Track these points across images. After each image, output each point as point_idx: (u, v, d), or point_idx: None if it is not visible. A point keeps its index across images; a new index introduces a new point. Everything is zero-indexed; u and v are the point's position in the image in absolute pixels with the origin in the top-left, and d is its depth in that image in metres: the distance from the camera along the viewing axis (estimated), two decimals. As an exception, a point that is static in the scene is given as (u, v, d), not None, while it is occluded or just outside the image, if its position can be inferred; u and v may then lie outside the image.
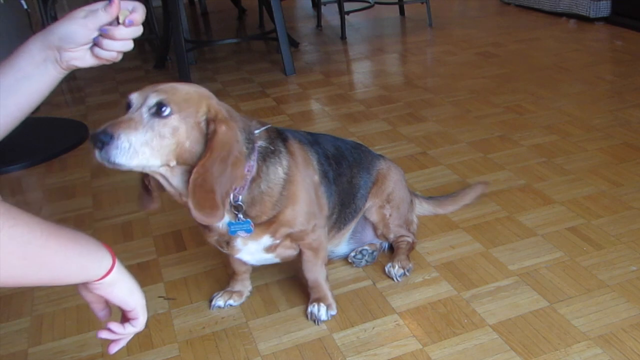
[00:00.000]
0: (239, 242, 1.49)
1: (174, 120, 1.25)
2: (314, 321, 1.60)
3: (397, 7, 5.02)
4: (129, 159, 1.21)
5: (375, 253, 1.81)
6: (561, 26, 4.23)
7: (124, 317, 1.12)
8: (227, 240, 1.49)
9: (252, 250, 1.52)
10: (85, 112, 3.38)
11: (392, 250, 1.83)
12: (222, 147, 1.29)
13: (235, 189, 1.37)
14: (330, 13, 5.15)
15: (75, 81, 4.04)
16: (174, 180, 1.33)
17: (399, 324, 1.57)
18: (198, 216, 1.31)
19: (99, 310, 1.12)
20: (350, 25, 4.70)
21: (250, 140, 1.40)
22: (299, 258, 1.61)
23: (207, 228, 1.49)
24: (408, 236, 1.81)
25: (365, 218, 1.80)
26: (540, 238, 1.86)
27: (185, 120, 1.26)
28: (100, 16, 1.09)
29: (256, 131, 1.43)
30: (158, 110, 1.24)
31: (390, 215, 1.78)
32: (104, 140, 1.19)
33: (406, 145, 2.58)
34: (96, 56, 1.13)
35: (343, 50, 4.22)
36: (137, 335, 1.60)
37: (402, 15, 4.98)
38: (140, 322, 1.12)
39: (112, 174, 2.60)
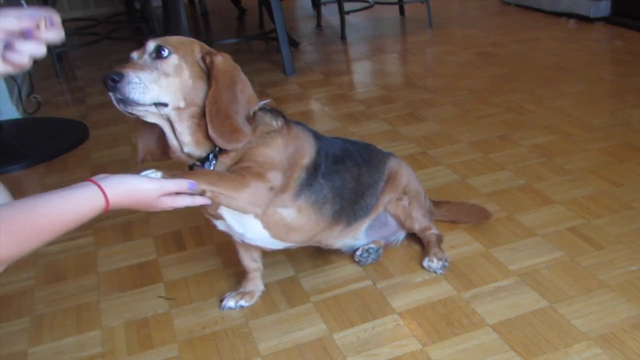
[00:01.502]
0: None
1: (174, 59, 1.35)
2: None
3: (397, 7, 5.02)
4: (143, 94, 1.31)
5: (380, 250, 1.82)
6: (561, 26, 4.23)
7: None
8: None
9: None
10: (85, 112, 3.38)
11: (388, 247, 1.83)
12: (224, 75, 1.39)
13: (252, 112, 1.44)
14: (330, 13, 5.15)
15: (75, 81, 4.04)
16: (179, 126, 1.40)
17: (399, 324, 1.57)
18: (222, 144, 1.38)
19: None
20: (350, 25, 4.70)
21: (255, 107, 1.48)
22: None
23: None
24: (434, 228, 1.84)
25: (387, 214, 1.82)
26: (540, 238, 1.86)
27: (184, 58, 1.36)
28: (10, 22, 1.05)
29: (261, 102, 1.51)
30: (158, 53, 1.34)
31: (409, 204, 1.81)
32: (116, 79, 1.28)
33: (406, 145, 2.58)
34: (6, 61, 1.07)
35: (343, 50, 4.22)
36: (137, 335, 1.61)
37: (402, 15, 4.98)
38: None
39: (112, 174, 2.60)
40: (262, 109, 1.51)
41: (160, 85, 1.33)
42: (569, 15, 4.34)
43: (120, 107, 1.33)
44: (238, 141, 1.40)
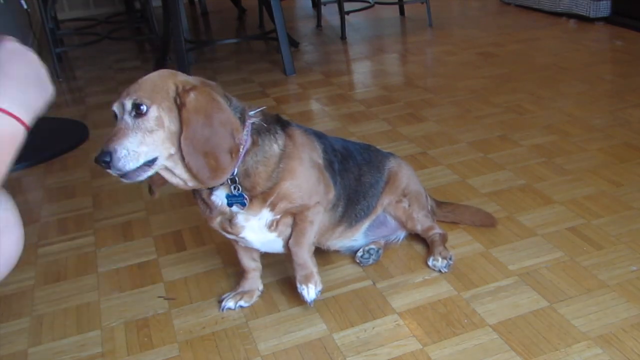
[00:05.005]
0: (240, 219, 1.51)
1: (153, 112, 1.33)
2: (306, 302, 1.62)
3: (397, 7, 5.02)
4: (135, 161, 1.33)
5: (380, 251, 1.82)
6: (561, 26, 4.23)
7: None
8: (229, 218, 1.51)
9: (255, 227, 1.53)
10: (85, 112, 3.38)
11: (388, 247, 1.83)
12: (196, 113, 1.35)
13: (239, 143, 1.41)
14: (330, 13, 5.15)
15: (75, 81, 4.05)
16: (177, 169, 1.40)
17: (399, 324, 1.57)
18: (201, 181, 1.39)
19: None
20: (350, 25, 4.70)
21: (242, 115, 1.45)
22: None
23: (209, 208, 1.52)
24: (437, 228, 1.84)
25: (387, 215, 1.83)
26: (540, 238, 1.86)
27: (161, 106, 1.34)
28: None
29: (251, 112, 1.48)
30: (137, 111, 1.33)
31: (410, 206, 1.81)
32: (106, 160, 1.32)
33: (406, 145, 2.58)
34: None
35: (343, 50, 4.22)
36: (138, 335, 1.61)
37: (402, 15, 4.98)
38: None
39: (112, 175, 2.60)
40: (258, 128, 1.47)
41: (147, 144, 1.33)
42: (569, 15, 4.34)
43: (124, 181, 1.37)
44: (218, 178, 1.39)
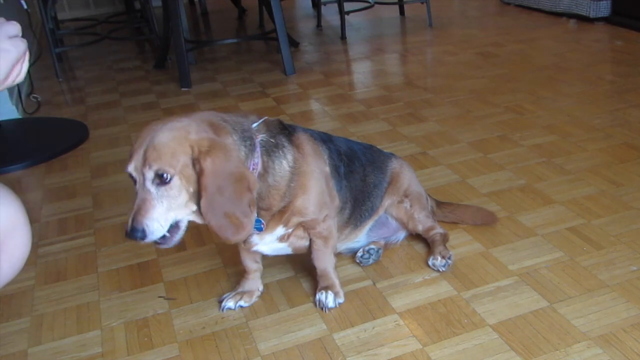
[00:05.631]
0: (255, 238, 1.55)
1: (176, 181, 1.34)
2: (322, 308, 1.63)
3: (397, 7, 5.02)
4: (165, 226, 1.37)
5: (380, 251, 1.82)
6: (561, 26, 4.23)
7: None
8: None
9: (267, 241, 1.58)
10: (85, 112, 3.38)
11: (388, 247, 1.83)
12: (214, 178, 1.35)
13: (254, 196, 1.41)
14: (330, 13, 5.15)
15: (75, 81, 4.04)
16: (200, 219, 1.42)
17: (399, 324, 1.57)
18: (224, 238, 1.40)
19: None
20: (350, 25, 4.70)
21: (249, 137, 1.43)
22: (308, 250, 1.65)
23: None
24: (438, 228, 1.85)
25: (389, 216, 1.84)
26: (540, 238, 1.86)
27: (181, 173, 1.35)
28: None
29: (254, 125, 1.47)
30: (160, 179, 1.34)
31: (411, 207, 1.82)
32: (141, 237, 1.34)
33: (406, 145, 2.58)
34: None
35: (343, 50, 4.22)
36: (137, 335, 1.61)
37: (402, 15, 4.98)
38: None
39: (112, 174, 2.60)
40: (266, 146, 1.46)
41: (173, 209, 1.36)
42: (569, 15, 4.34)
43: (162, 247, 1.41)
44: (239, 235, 1.40)
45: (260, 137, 1.46)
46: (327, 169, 1.60)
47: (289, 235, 1.59)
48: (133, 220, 1.35)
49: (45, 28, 4.08)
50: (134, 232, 1.34)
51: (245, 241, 1.56)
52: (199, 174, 1.34)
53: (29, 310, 1.77)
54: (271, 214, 1.50)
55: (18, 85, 3.36)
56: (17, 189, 2.56)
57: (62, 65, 4.30)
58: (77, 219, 2.26)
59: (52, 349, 1.61)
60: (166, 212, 1.35)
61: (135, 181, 1.37)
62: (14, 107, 3.31)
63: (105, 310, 1.73)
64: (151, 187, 1.34)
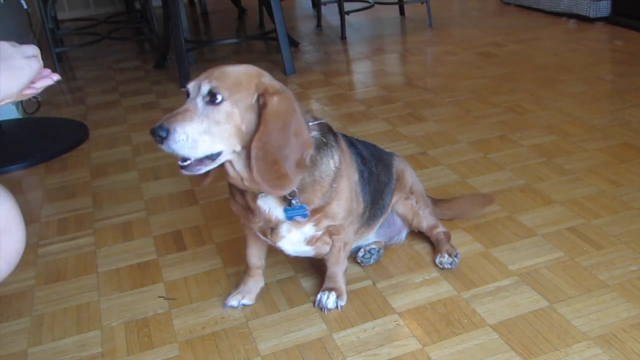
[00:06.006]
0: (284, 229, 1.51)
1: (226, 106, 1.29)
2: (321, 309, 1.63)
3: (397, 7, 5.02)
4: (192, 150, 1.28)
5: (381, 251, 1.82)
6: (561, 26, 4.23)
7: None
8: (273, 226, 1.51)
9: (294, 240, 1.54)
10: (85, 112, 3.38)
11: (388, 247, 1.83)
12: (276, 117, 1.31)
13: (306, 157, 1.38)
14: (330, 13, 5.15)
15: (75, 81, 4.05)
16: (238, 164, 1.37)
17: (399, 324, 1.57)
18: (266, 189, 1.35)
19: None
20: (350, 25, 4.70)
21: (310, 150, 1.43)
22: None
23: (252, 213, 1.50)
24: (441, 226, 1.86)
25: (394, 213, 1.85)
26: (540, 238, 1.86)
27: (237, 104, 1.30)
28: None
29: (311, 123, 1.47)
30: (212, 98, 1.28)
31: (417, 203, 1.83)
32: (162, 135, 1.25)
33: (406, 145, 2.58)
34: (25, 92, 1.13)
35: (343, 50, 4.22)
36: (138, 335, 1.61)
37: (402, 15, 4.98)
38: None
39: (112, 174, 2.60)
40: (317, 143, 1.45)
41: (212, 135, 1.29)
42: (569, 15, 4.34)
43: (184, 172, 1.33)
44: (283, 188, 1.36)
45: (313, 134, 1.45)
46: (356, 176, 1.60)
47: (317, 239, 1.56)
48: (165, 120, 1.27)
49: (45, 28, 4.08)
50: (158, 130, 1.25)
51: (273, 231, 1.52)
52: (262, 108, 1.30)
53: (29, 310, 1.77)
54: (308, 209, 1.48)
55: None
56: (17, 189, 2.56)
57: (62, 65, 4.30)
58: (77, 219, 2.26)
59: (52, 349, 1.61)
60: (201, 133, 1.27)
61: (188, 95, 1.32)
62: (14, 107, 3.31)
63: (105, 310, 1.73)
64: (200, 102, 1.29)
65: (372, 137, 2.68)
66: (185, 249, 1.99)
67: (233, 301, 1.68)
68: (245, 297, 1.69)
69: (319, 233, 1.55)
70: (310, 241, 1.57)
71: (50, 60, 4.11)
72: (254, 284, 1.71)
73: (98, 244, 2.08)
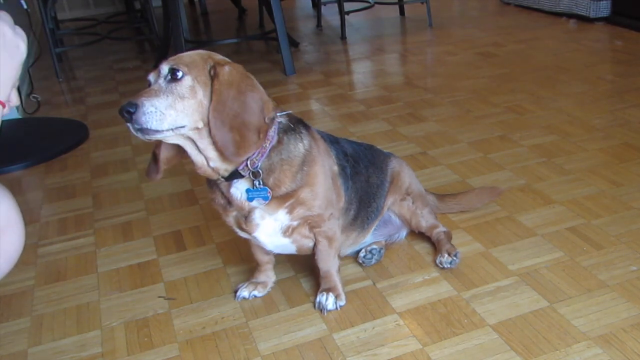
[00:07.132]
0: (257, 216, 1.51)
1: (187, 80, 1.34)
2: (321, 310, 1.63)
3: (397, 7, 5.02)
4: (160, 122, 1.32)
5: (382, 251, 1.82)
6: (561, 26, 4.23)
7: None
8: (246, 214, 1.51)
9: (270, 230, 1.54)
10: (85, 112, 3.38)
11: (389, 247, 1.83)
12: (228, 85, 1.37)
13: (268, 122, 1.41)
14: (330, 13, 5.15)
15: (75, 81, 4.05)
16: (202, 142, 1.40)
17: (399, 324, 1.57)
18: (228, 155, 1.37)
19: None
20: (350, 25, 4.70)
21: (271, 114, 1.45)
22: (312, 251, 1.65)
23: (227, 201, 1.52)
24: (441, 226, 1.86)
25: (392, 213, 1.85)
26: (540, 238, 1.86)
27: (197, 78, 1.35)
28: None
29: (279, 113, 1.49)
30: (173, 76, 1.34)
31: (414, 204, 1.83)
32: (130, 110, 1.30)
33: (406, 145, 2.58)
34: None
35: (343, 50, 4.22)
36: (138, 335, 1.61)
37: (402, 15, 4.98)
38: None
39: (112, 174, 2.60)
40: (284, 127, 1.48)
41: (177, 109, 1.33)
42: (569, 15, 4.34)
43: (139, 136, 1.34)
44: (242, 155, 1.39)
45: (280, 119, 1.49)
46: (336, 168, 1.61)
47: (293, 230, 1.56)
48: (132, 98, 1.32)
49: (45, 28, 4.08)
50: (127, 105, 1.30)
51: (247, 220, 1.52)
52: (213, 78, 1.36)
53: (29, 310, 1.77)
54: (278, 193, 1.48)
55: (18, 85, 3.36)
56: (17, 189, 2.56)
57: (62, 65, 4.30)
58: (77, 219, 2.26)
59: (52, 349, 1.61)
60: (167, 107, 1.32)
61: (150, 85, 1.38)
62: (14, 107, 3.31)
63: (105, 310, 1.73)
64: (162, 81, 1.35)
65: (372, 137, 2.68)
66: (185, 249, 2.00)
67: (244, 292, 1.70)
68: (257, 288, 1.71)
69: (295, 223, 1.55)
70: (286, 231, 1.56)
71: (50, 60, 4.11)
72: (265, 277, 1.74)
73: (98, 244, 2.08)
